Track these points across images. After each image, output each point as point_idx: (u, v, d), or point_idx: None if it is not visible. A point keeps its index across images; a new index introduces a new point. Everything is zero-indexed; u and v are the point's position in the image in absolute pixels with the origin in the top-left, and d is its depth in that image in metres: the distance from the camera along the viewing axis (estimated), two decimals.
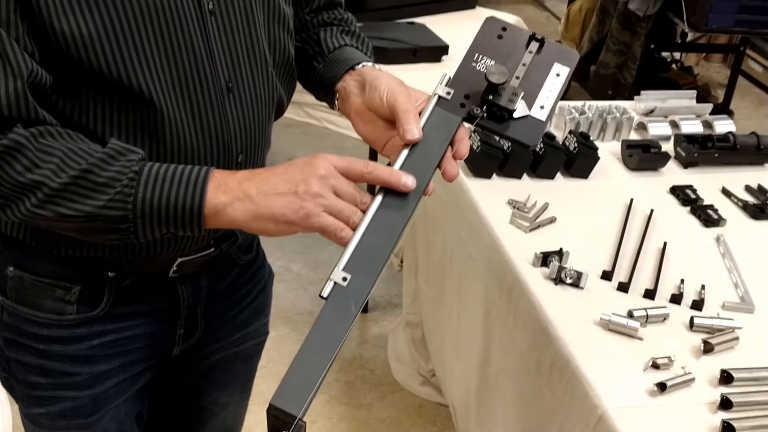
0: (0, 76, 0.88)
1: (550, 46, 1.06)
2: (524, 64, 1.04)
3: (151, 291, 1.15)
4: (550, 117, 1.02)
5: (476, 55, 1.05)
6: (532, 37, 1.06)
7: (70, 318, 1.11)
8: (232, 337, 1.31)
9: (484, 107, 1.00)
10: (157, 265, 1.12)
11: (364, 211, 0.93)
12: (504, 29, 1.07)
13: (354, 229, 0.92)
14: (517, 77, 1.03)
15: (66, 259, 1.08)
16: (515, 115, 1.00)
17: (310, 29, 1.23)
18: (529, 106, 1.01)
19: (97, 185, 0.91)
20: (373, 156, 2.65)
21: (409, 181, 0.94)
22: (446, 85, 1.03)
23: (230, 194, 0.92)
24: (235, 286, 1.27)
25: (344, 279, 0.89)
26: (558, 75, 1.04)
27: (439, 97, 1.02)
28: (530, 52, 1.04)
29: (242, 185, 0.92)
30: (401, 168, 0.97)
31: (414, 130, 0.98)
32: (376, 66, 1.15)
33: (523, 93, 1.01)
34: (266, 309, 1.38)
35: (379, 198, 0.94)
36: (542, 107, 1.02)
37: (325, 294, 0.89)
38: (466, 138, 1.01)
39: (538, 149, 1.85)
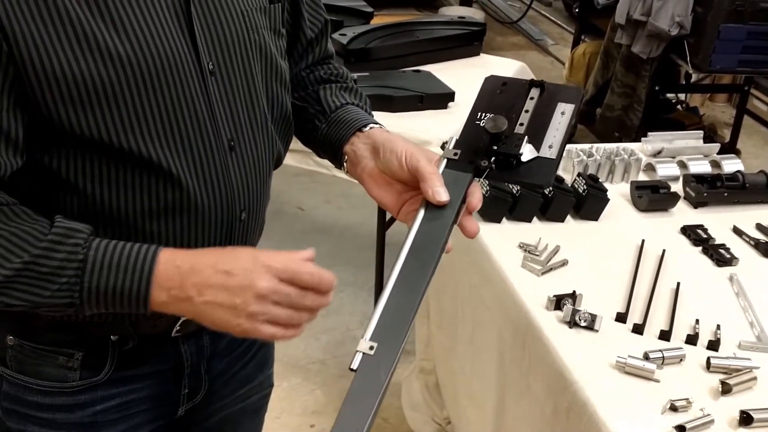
0: None
1: (552, 88, 1.07)
2: (527, 111, 1.05)
3: (154, 352, 1.14)
4: (560, 154, 1.03)
5: (479, 114, 1.07)
6: (532, 83, 1.07)
7: (73, 385, 1.10)
8: (237, 392, 1.30)
9: (492, 158, 1.02)
10: (159, 326, 1.12)
11: (310, 310, 0.95)
12: (504, 84, 1.09)
13: (378, 298, 0.95)
14: (522, 124, 1.04)
15: (67, 326, 1.07)
16: (523, 159, 1.01)
17: (308, 86, 1.24)
18: (538, 148, 1.02)
19: (43, 275, 0.92)
20: (382, 216, 2.65)
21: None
22: (452, 147, 1.04)
23: (172, 293, 0.93)
24: (236, 342, 1.26)
25: (371, 348, 0.89)
26: (563, 113, 1.05)
27: (448, 159, 1.03)
28: (531, 98, 1.06)
29: (184, 283, 0.93)
30: (418, 230, 0.98)
31: (441, 191, 0.99)
32: (382, 125, 1.16)
33: (527, 137, 1.02)
34: (269, 361, 1.37)
35: (402, 258, 0.95)
36: (551, 146, 1.02)
37: (354, 366, 0.89)
38: (477, 191, 1.02)
39: (547, 192, 1.85)
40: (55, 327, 1.07)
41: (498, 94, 1.08)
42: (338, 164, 1.16)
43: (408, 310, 0.92)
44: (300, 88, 1.24)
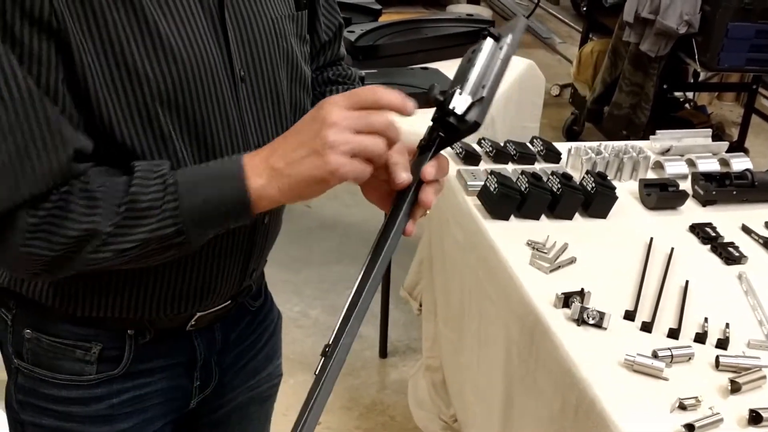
0: (51, 150, 0.89)
1: (503, 35, 1.01)
2: (472, 64, 0.98)
3: (169, 346, 1.15)
4: (492, 89, 0.95)
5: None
6: (482, 37, 1.01)
7: (90, 378, 1.10)
8: (248, 383, 1.31)
9: (437, 126, 0.98)
10: (176, 320, 1.13)
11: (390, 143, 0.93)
12: (472, 51, 1.02)
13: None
14: (467, 80, 0.97)
15: (85, 320, 1.07)
16: (459, 111, 0.95)
17: (315, 88, 1.24)
18: (473, 94, 0.96)
19: (143, 211, 0.91)
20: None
21: (408, 105, 0.94)
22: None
23: (263, 175, 0.91)
24: (246, 333, 1.27)
25: (326, 350, 0.88)
26: (502, 48, 0.99)
27: (419, 146, 1.01)
28: (485, 53, 1.00)
29: (269, 162, 0.92)
30: (387, 220, 0.97)
31: (400, 174, 0.96)
32: None
33: (458, 90, 0.95)
34: (278, 351, 1.38)
35: (369, 252, 0.94)
36: (484, 86, 0.96)
37: (317, 371, 0.88)
38: (431, 162, 0.98)
39: (555, 190, 1.84)
40: (72, 321, 1.08)
41: (465, 63, 1.01)
42: None
43: (357, 303, 0.90)
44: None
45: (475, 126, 0.93)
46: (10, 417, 1.16)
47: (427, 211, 1.01)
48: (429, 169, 0.97)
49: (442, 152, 1.00)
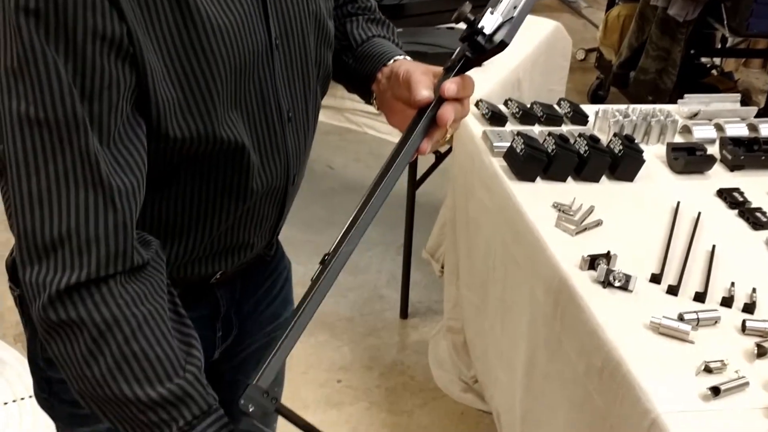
0: (100, 208, 0.82)
1: None
2: None
3: (194, 299, 1.15)
4: (525, 10, 0.93)
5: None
6: None
7: None
8: (265, 329, 1.32)
9: (465, 46, 0.96)
10: (204, 274, 1.13)
11: None
12: None
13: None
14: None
15: None
16: (488, 31, 0.93)
17: (335, 21, 1.22)
18: (504, 15, 0.94)
19: (138, 422, 0.85)
20: (412, 175, 2.64)
21: None
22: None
23: None
24: (262, 282, 1.29)
25: (326, 258, 0.88)
26: None
27: (444, 70, 1.00)
28: None
29: None
30: (403, 139, 0.96)
31: (422, 91, 0.96)
32: (407, 57, 1.15)
33: (490, 9, 0.94)
34: (291, 298, 1.39)
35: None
36: (515, 6, 0.93)
37: (314, 277, 0.88)
38: (451, 81, 0.96)
39: (583, 152, 1.83)
40: None
41: None
42: (367, 100, 1.16)
43: (361, 214, 0.90)
44: None
45: (501, 46, 0.91)
46: (36, 374, 1.16)
47: (447, 136, 1.00)
48: (449, 85, 0.96)
49: (468, 73, 0.98)
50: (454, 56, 0.98)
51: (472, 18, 0.94)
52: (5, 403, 1.58)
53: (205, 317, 1.19)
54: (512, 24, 0.92)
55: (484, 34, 0.93)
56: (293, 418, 0.84)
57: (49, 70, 0.79)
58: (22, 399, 1.59)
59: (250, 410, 0.81)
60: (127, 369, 0.83)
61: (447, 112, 0.96)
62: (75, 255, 0.81)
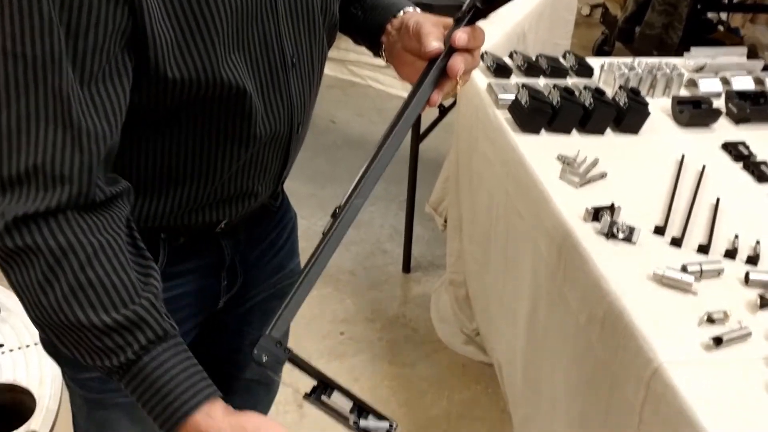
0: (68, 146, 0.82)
1: None
2: None
3: (199, 248, 1.15)
4: None
5: None
6: None
7: None
8: (269, 280, 1.32)
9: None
10: (208, 223, 1.13)
11: None
12: None
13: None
14: None
15: None
16: None
17: None
18: None
19: (93, 348, 0.85)
20: (416, 130, 2.63)
21: None
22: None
23: None
24: (267, 232, 1.28)
25: (337, 211, 0.89)
26: None
27: (454, 21, 1.00)
28: None
29: None
30: (414, 89, 0.95)
31: (432, 42, 0.96)
32: (416, 8, 1.14)
33: None
34: (297, 250, 1.39)
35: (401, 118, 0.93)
36: None
37: (325, 230, 0.89)
38: (462, 30, 0.96)
39: (588, 105, 1.82)
40: None
41: None
42: (376, 53, 1.16)
43: (371, 166, 0.90)
44: None
45: None
46: None
47: (457, 88, 0.99)
48: (460, 35, 0.95)
49: (478, 24, 0.98)
50: (464, 7, 0.98)
51: None
52: (11, 350, 1.59)
53: (210, 266, 1.19)
54: None
55: None
56: (305, 367, 0.85)
57: (32, 5, 0.79)
58: (28, 346, 1.60)
59: (264, 360, 0.82)
60: (82, 295, 0.83)
61: (457, 62, 0.96)
62: (37, 190, 0.82)
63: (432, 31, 1.00)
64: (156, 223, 1.07)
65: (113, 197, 0.88)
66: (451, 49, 0.97)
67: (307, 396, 0.85)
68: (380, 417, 0.84)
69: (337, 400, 0.84)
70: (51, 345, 1.19)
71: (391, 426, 0.84)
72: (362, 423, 0.83)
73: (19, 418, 1.48)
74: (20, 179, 0.82)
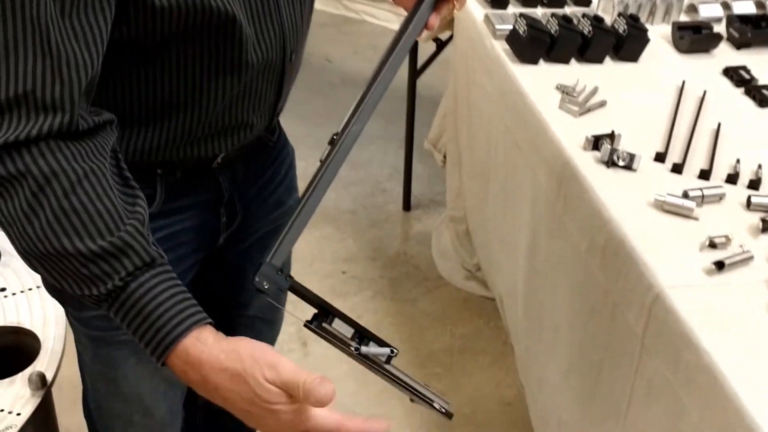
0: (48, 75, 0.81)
1: None
2: None
3: (196, 183, 1.15)
4: None
5: None
6: None
7: None
8: (269, 216, 1.32)
9: None
10: (204, 158, 1.12)
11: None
12: None
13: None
14: None
15: None
16: None
17: None
18: None
19: (80, 276, 0.84)
20: (413, 67, 2.59)
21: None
22: None
23: (190, 373, 0.84)
24: (265, 167, 1.28)
25: (335, 138, 0.89)
26: None
27: None
28: None
29: (201, 372, 0.83)
30: (406, 22, 0.93)
31: None
32: None
33: None
34: (295, 185, 1.39)
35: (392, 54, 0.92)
36: None
37: (322, 158, 0.89)
38: None
39: (586, 33, 1.79)
40: None
41: None
42: None
43: (368, 92, 0.89)
44: None
45: None
46: None
47: (455, 11, 0.97)
48: None
49: None
50: None
51: None
52: (14, 294, 1.59)
53: (209, 202, 1.18)
54: None
55: None
56: (307, 294, 0.84)
57: None
58: (30, 289, 1.60)
59: (265, 287, 0.82)
60: (67, 223, 0.82)
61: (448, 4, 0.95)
62: (20, 118, 0.81)
63: None
64: (152, 157, 1.06)
65: (97, 126, 0.87)
66: None
67: (308, 323, 0.84)
68: (381, 343, 0.84)
69: (339, 326, 0.84)
70: (53, 285, 1.19)
71: (392, 352, 0.84)
72: (363, 349, 0.83)
73: (24, 360, 1.48)
74: (1, 108, 0.81)
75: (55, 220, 0.82)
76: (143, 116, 1.01)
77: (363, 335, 0.84)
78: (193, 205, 1.16)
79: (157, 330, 0.83)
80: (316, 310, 0.86)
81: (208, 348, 0.83)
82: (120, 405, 1.29)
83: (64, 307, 1.22)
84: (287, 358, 0.81)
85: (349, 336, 0.83)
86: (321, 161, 0.87)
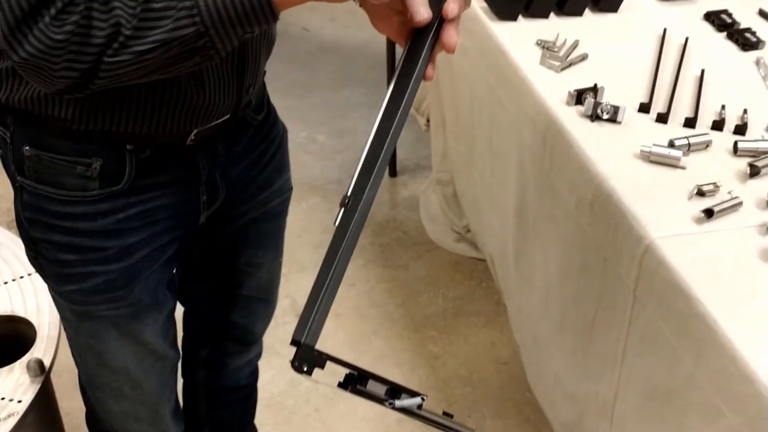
0: None
1: None
2: None
3: (170, 161, 1.13)
4: None
5: None
6: None
7: (93, 194, 1.09)
8: (258, 197, 1.31)
9: None
10: (175, 135, 1.10)
11: None
12: None
13: None
14: None
15: (82, 134, 1.05)
16: None
17: None
18: None
19: (159, 11, 0.86)
20: (391, 46, 2.57)
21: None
22: None
23: None
24: (251, 147, 1.26)
25: (348, 201, 0.87)
26: None
27: None
28: None
29: None
30: (404, 59, 0.91)
31: (421, 10, 0.90)
32: None
33: None
34: (286, 165, 1.37)
35: (387, 94, 0.91)
36: None
37: (336, 222, 0.87)
38: (452, 0, 0.91)
39: None
40: (70, 135, 1.05)
41: None
42: None
43: (379, 154, 0.87)
44: None
45: None
46: (22, 235, 1.17)
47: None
48: (452, 6, 0.90)
49: None
50: None
51: None
52: (5, 282, 1.58)
53: (183, 180, 1.17)
54: None
55: None
56: (343, 363, 0.85)
57: None
58: (22, 277, 1.59)
59: (305, 370, 0.82)
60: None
61: (453, 36, 0.91)
62: None
63: None
64: (118, 128, 1.05)
65: None
66: (441, 19, 0.91)
67: (341, 385, 0.85)
68: (413, 394, 0.87)
69: (373, 387, 0.86)
70: (33, 258, 1.20)
71: (422, 400, 0.87)
72: (398, 403, 0.86)
73: (21, 348, 1.48)
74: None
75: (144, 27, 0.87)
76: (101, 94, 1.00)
77: (395, 389, 0.86)
78: (167, 183, 1.14)
79: None
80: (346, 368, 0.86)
81: None
82: (109, 377, 1.30)
83: (45, 282, 1.22)
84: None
85: (383, 393, 0.86)
86: (334, 225, 0.87)
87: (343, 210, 0.87)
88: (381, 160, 0.88)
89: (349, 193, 0.87)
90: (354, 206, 0.86)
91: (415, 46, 0.92)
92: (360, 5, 1.04)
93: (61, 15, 0.85)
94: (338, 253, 0.84)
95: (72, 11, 0.85)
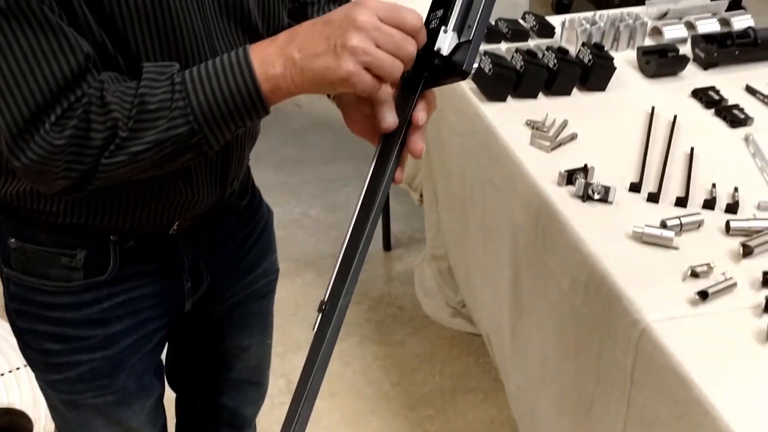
0: (61, 55, 0.86)
1: None
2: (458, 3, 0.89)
3: (154, 251, 1.14)
4: (479, 32, 0.88)
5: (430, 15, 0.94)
6: None
7: (78, 284, 1.10)
8: (243, 280, 1.31)
9: (422, 65, 0.91)
10: (158, 225, 1.11)
11: (407, 57, 0.85)
12: None
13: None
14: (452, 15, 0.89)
15: (66, 227, 1.06)
16: (444, 52, 0.88)
17: (296, 1, 1.17)
18: (459, 35, 0.88)
19: (153, 112, 0.87)
20: None
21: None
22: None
23: (278, 64, 0.86)
24: (235, 232, 1.26)
25: (324, 307, 0.87)
26: None
27: (402, 79, 0.91)
28: None
29: (286, 50, 0.86)
30: (374, 164, 0.93)
31: (387, 117, 0.91)
32: None
33: (443, 28, 0.88)
34: (272, 247, 1.37)
35: (360, 199, 0.92)
36: (469, 26, 0.88)
37: (315, 327, 0.87)
38: (421, 105, 0.93)
39: (552, 66, 1.78)
40: (55, 229, 1.07)
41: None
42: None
43: (351, 260, 0.88)
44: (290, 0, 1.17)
45: (464, 75, 0.88)
46: (10, 323, 1.18)
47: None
48: (420, 114, 0.91)
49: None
50: (410, 73, 0.91)
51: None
52: (2, 374, 1.57)
53: (168, 268, 1.17)
54: (470, 48, 0.87)
55: (441, 57, 0.88)
56: None
57: None
58: (18, 369, 1.59)
59: None
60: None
61: (419, 143, 0.92)
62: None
63: (386, 100, 0.92)
64: (102, 222, 1.06)
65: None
66: (408, 123, 0.92)
67: None
68: None
69: None
70: (22, 348, 1.20)
71: None
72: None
73: None
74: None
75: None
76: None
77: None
78: (151, 272, 1.15)
79: (227, 64, 0.88)
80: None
81: (276, 39, 0.89)
82: None
83: (33, 371, 1.22)
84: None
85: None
86: (314, 330, 0.87)
87: (321, 315, 0.87)
88: (354, 265, 0.88)
89: (325, 299, 0.87)
90: (330, 312, 0.86)
91: (385, 150, 0.93)
92: (337, 105, 1.05)
93: (61, 120, 0.86)
94: (316, 361, 0.85)
95: (71, 116, 0.86)
